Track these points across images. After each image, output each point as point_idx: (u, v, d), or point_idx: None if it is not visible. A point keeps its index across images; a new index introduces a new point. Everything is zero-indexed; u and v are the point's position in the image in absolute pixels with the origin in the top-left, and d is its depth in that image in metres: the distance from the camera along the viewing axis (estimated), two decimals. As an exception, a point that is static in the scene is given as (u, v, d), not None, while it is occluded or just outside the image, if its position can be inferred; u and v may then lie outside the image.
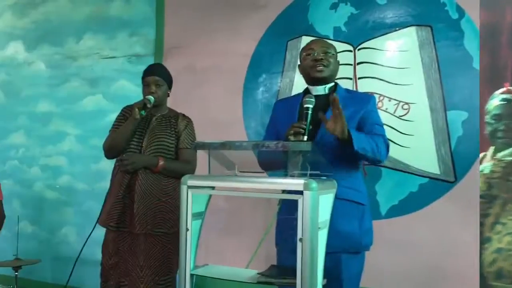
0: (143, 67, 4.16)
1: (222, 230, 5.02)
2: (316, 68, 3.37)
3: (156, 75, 4.07)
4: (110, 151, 4.07)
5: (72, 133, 6.40)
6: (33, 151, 6.73)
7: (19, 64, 6.94)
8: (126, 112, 4.13)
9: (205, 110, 5.42)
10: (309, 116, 3.15)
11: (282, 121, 3.42)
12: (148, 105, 3.88)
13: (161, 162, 3.92)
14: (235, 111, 5.34)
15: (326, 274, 2.72)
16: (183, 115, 4.22)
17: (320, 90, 3.42)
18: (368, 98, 3.48)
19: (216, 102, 5.46)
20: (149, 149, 3.98)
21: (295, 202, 2.57)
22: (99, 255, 4.06)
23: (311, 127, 3.15)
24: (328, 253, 2.73)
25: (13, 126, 6.89)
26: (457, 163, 4.38)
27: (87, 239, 3.93)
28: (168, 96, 4.21)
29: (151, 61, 5.73)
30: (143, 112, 3.86)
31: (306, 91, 3.49)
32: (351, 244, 3.24)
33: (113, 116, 4.27)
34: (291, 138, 3.12)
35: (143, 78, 4.11)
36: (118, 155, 4.03)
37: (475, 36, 4.37)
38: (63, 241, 6.27)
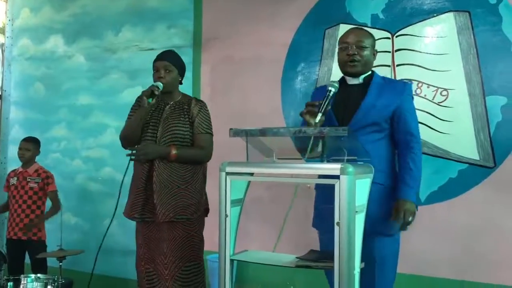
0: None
1: (260, 217, 5.05)
2: (349, 63, 3.45)
3: (165, 60, 4.04)
4: (124, 140, 4.08)
5: (113, 125, 6.45)
6: (74, 144, 6.82)
7: (59, 58, 7.03)
8: (139, 100, 4.06)
9: (244, 100, 5.44)
10: (328, 98, 3.20)
11: None
12: (156, 92, 3.83)
13: (173, 151, 3.87)
14: (274, 100, 5.35)
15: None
16: (196, 99, 4.15)
17: (355, 80, 3.50)
18: (402, 87, 3.49)
19: (254, 92, 5.48)
20: (164, 139, 3.95)
21: (332, 187, 2.58)
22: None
23: (329, 107, 3.23)
24: None
25: (55, 119, 6.99)
26: (496, 148, 4.36)
27: (106, 230, 4.15)
28: (181, 83, 4.16)
29: (189, 52, 5.78)
30: (150, 100, 3.81)
31: (342, 80, 3.54)
32: (376, 227, 3.21)
33: (152, 108, 4.26)
34: (306, 117, 3.22)
35: (153, 64, 4.09)
36: (134, 144, 4.00)
37: (514, 20, 4.34)
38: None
